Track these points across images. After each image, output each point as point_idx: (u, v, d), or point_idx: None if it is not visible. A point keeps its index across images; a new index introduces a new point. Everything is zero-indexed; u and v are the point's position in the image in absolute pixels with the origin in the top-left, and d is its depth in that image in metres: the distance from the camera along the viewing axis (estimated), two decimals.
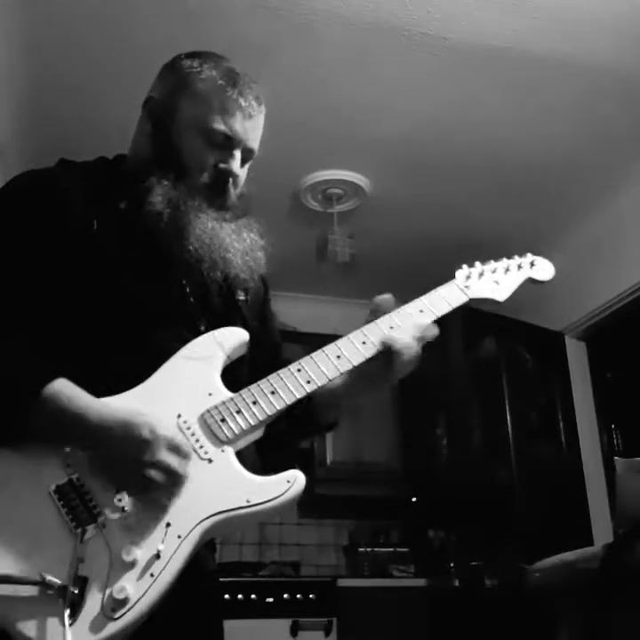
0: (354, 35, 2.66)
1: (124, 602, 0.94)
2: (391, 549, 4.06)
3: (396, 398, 4.27)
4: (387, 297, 1.27)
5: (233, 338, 1.19)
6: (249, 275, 1.28)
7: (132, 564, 0.97)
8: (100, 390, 1.06)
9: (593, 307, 3.73)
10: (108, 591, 0.95)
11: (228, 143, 1.26)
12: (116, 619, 0.94)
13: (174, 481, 1.02)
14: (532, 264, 1.43)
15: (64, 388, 1.03)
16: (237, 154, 1.27)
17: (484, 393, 3.66)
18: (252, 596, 3.37)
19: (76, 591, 0.94)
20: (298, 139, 3.22)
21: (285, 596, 3.42)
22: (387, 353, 1.20)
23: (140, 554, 0.98)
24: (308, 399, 1.21)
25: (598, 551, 2.02)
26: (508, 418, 3.63)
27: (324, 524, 4.33)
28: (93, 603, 0.95)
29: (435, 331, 1.27)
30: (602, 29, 2.64)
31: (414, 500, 4.17)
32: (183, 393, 1.11)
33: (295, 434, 1.34)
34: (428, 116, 3.09)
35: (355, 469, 4.04)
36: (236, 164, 1.26)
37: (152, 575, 0.97)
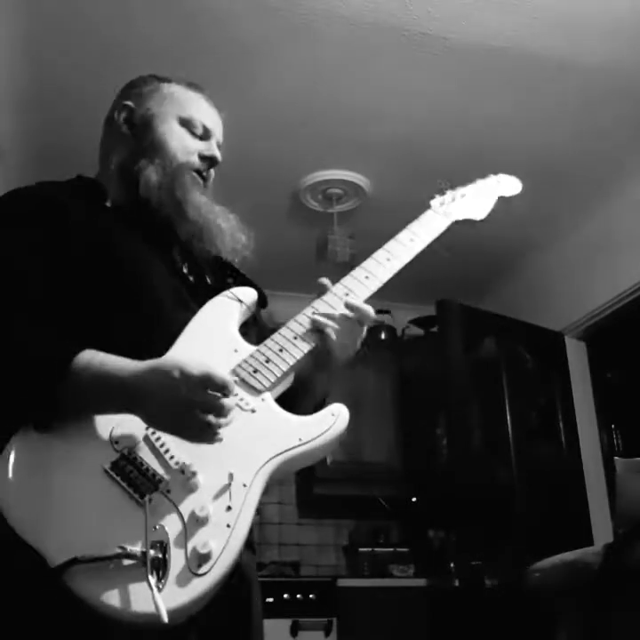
0: (354, 35, 2.66)
1: (208, 556, 0.94)
2: (391, 549, 4.06)
3: (396, 398, 4.27)
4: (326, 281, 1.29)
5: (247, 294, 1.24)
6: (239, 250, 1.33)
7: (207, 519, 0.97)
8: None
9: (593, 307, 3.73)
10: (189, 549, 0.95)
11: (206, 134, 1.36)
12: (204, 574, 0.94)
13: (217, 413, 1.00)
14: (498, 182, 1.51)
15: (93, 358, 1.02)
16: (214, 142, 1.37)
17: (484, 393, 3.66)
18: None
19: (159, 555, 0.94)
20: (298, 139, 3.22)
21: (285, 596, 3.43)
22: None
23: (212, 508, 0.98)
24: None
25: (598, 551, 2.02)
26: (508, 418, 3.63)
27: (324, 524, 4.34)
28: (178, 563, 0.94)
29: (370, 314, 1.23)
30: (601, 29, 2.64)
31: (414, 499, 4.17)
32: (210, 355, 1.12)
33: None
34: (427, 115, 3.09)
35: (355, 469, 4.04)
36: (216, 151, 1.36)
37: (228, 526, 0.98)
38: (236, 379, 1.11)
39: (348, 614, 3.46)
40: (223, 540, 0.96)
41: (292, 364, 1.15)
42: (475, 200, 1.46)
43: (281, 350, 1.16)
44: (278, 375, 1.13)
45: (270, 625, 3.42)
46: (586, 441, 3.79)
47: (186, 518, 0.98)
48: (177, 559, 0.95)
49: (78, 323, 1.12)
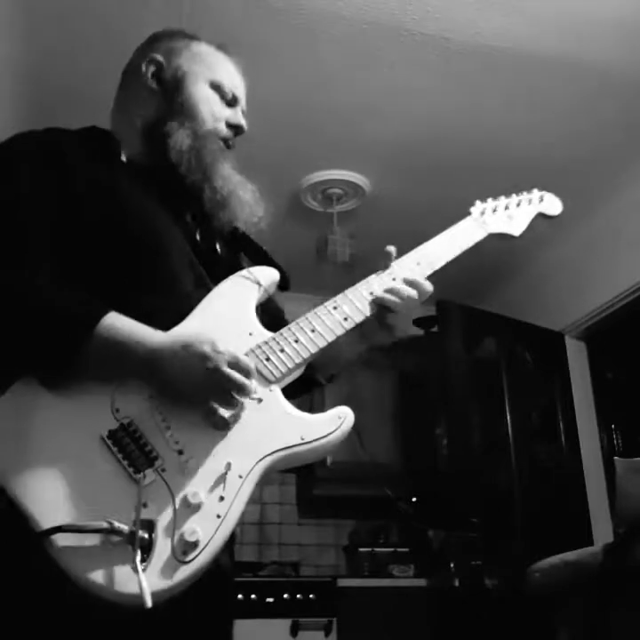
0: (354, 35, 2.66)
1: (195, 544, 0.93)
2: (391, 549, 4.06)
3: (396, 398, 4.27)
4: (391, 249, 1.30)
5: (267, 275, 1.22)
6: (255, 223, 1.33)
7: (198, 507, 0.96)
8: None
9: (593, 307, 3.73)
10: (177, 534, 0.94)
11: (234, 101, 1.34)
12: (189, 562, 0.93)
13: (242, 393, 1.02)
14: (541, 199, 1.46)
15: (117, 320, 1.02)
16: (239, 110, 1.36)
17: (484, 393, 3.66)
18: (252, 596, 3.37)
19: (146, 536, 0.92)
20: (298, 139, 3.22)
21: (285, 596, 3.42)
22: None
23: (204, 496, 0.97)
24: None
25: (598, 551, 2.02)
26: (508, 418, 3.63)
27: (324, 524, 4.33)
28: (163, 547, 0.93)
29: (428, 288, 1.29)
30: (602, 30, 2.64)
31: (414, 499, 4.16)
32: (225, 333, 1.09)
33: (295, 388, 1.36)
34: (427, 115, 3.09)
35: (355, 469, 4.04)
36: (243, 120, 1.35)
37: (219, 516, 0.97)
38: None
39: (348, 614, 3.45)
40: (212, 530, 0.95)
41: (305, 357, 1.13)
42: (514, 214, 1.42)
43: (296, 341, 1.14)
44: (290, 367, 1.11)
45: (270, 625, 3.46)
46: (586, 441, 3.79)
47: (177, 502, 0.96)
48: (163, 542, 0.93)
49: (80, 278, 1.08)
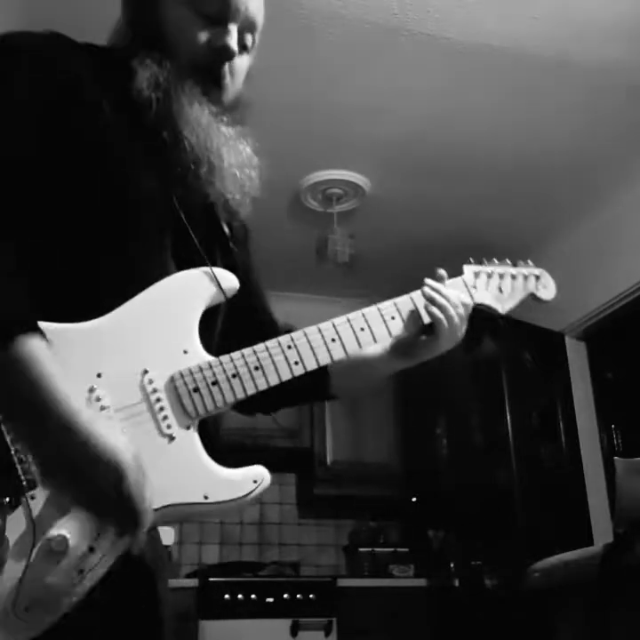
0: (354, 35, 2.66)
1: (41, 601, 0.79)
2: (391, 549, 4.06)
3: (396, 398, 4.27)
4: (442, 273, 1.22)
5: (227, 280, 1.02)
6: (240, 199, 1.09)
7: (60, 555, 0.80)
8: (71, 304, 0.91)
9: (593, 307, 3.73)
10: (24, 583, 0.78)
11: (222, 14, 1.02)
12: (26, 621, 0.78)
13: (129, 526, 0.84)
14: (537, 278, 1.38)
15: (35, 351, 0.81)
16: (233, 28, 1.04)
17: (484, 393, 3.66)
18: (252, 596, 3.37)
19: None
20: (298, 139, 3.22)
21: (285, 596, 3.43)
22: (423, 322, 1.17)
23: (72, 542, 0.81)
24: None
25: (598, 551, 2.02)
26: (508, 418, 3.63)
27: (324, 524, 4.34)
28: (4, 593, 0.77)
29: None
30: (602, 29, 2.64)
31: (414, 499, 4.17)
32: (156, 343, 0.95)
33: (296, 395, 1.22)
34: (427, 116, 3.09)
35: (355, 469, 4.04)
36: (231, 40, 1.03)
37: (81, 571, 0.81)
38: (170, 394, 0.94)
39: (348, 614, 3.46)
40: (67, 587, 0.80)
41: (238, 398, 0.97)
42: (506, 287, 1.35)
43: (234, 376, 0.97)
44: (218, 405, 0.96)
45: (270, 625, 3.47)
46: (586, 441, 3.79)
47: (37, 544, 0.80)
48: (5, 586, 0.78)
49: (35, 227, 0.93)
